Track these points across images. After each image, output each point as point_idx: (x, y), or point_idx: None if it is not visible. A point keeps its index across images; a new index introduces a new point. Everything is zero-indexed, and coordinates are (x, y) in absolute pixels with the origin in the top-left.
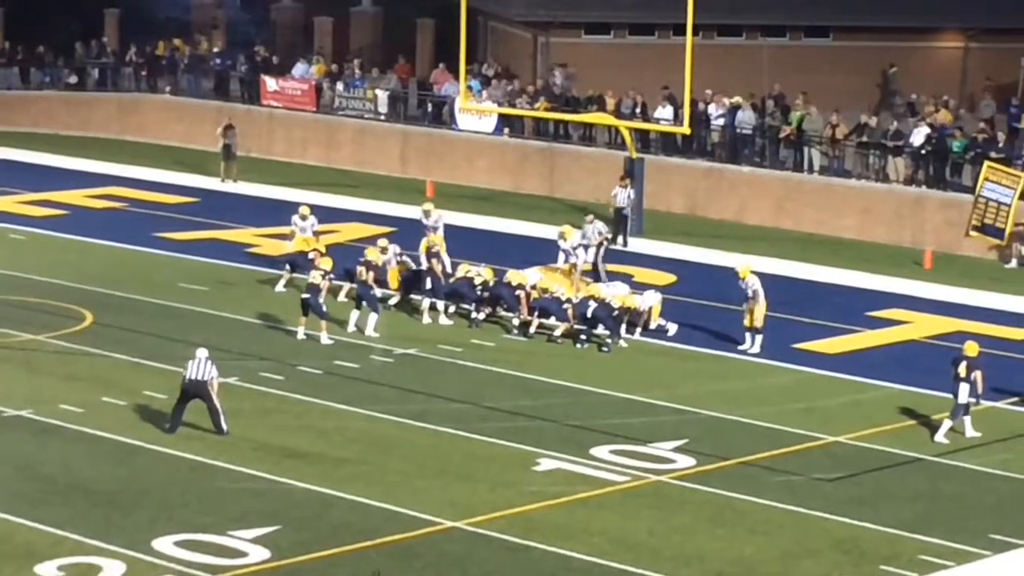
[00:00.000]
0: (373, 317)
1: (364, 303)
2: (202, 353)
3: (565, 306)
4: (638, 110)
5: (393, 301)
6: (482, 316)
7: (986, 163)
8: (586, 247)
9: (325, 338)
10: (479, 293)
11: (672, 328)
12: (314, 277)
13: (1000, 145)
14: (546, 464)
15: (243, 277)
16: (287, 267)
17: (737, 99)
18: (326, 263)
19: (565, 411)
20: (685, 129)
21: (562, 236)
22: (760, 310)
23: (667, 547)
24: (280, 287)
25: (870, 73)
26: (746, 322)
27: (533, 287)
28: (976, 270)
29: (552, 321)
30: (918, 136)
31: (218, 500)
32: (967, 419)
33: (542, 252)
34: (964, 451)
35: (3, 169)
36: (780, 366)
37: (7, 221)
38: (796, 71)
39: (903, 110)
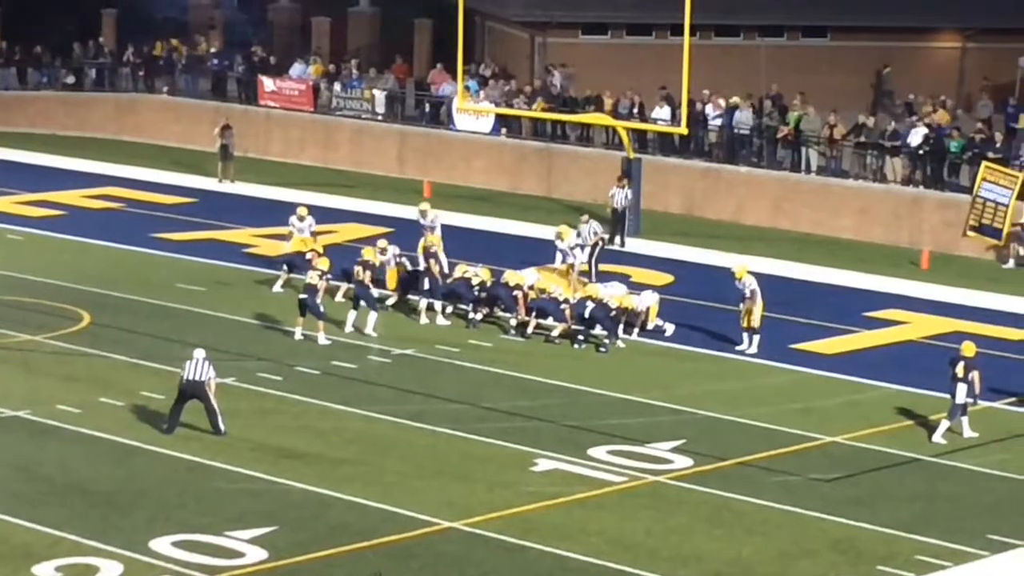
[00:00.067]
0: (372, 316)
1: (362, 303)
2: (199, 353)
3: (563, 306)
4: (635, 110)
5: (391, 301)
6: (479, 316)
7: (984, 163)
8: (582, 247)
9: (323, 338)
10: (476, 293)
11: (669, 328)
12: (311, 277)
13: (998, 145)
14: (544, 464)
15: (240, 277)
16: (284, 267)
17: (735, 99)
18: (323, 263)
19: (563, 411)
20: (683, 129)
21: (559, 236)
22: (758, 310)
23: (664, 547)
24: (277, 287)
25: (868, 73)
26: (743, 322)
27: (531, 287)
28: (973, 270)
29: (550, 321)
30: (915, 136)
31: (216, 500)
32: (965, 419)
33: (539, 252)
34: (961, 451)
35: (0, 169)
36: (777, 366)
37: (4, 221)
38: (794, 71)
39: (899, 110)
